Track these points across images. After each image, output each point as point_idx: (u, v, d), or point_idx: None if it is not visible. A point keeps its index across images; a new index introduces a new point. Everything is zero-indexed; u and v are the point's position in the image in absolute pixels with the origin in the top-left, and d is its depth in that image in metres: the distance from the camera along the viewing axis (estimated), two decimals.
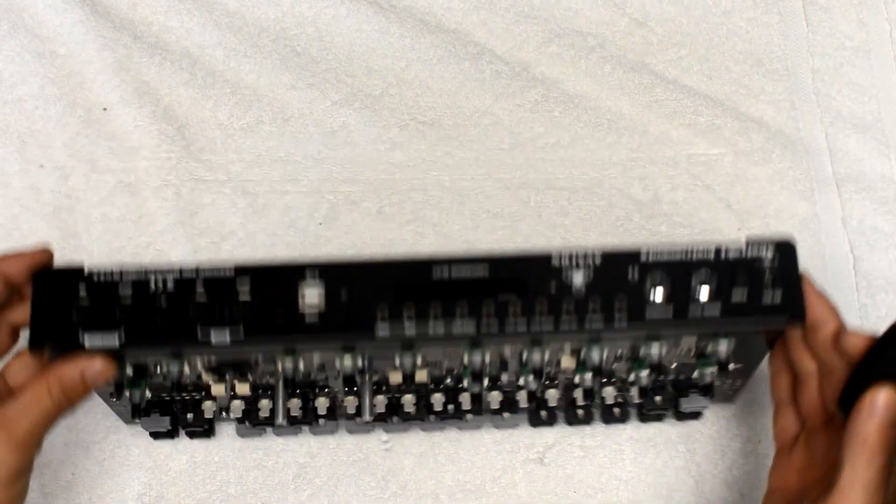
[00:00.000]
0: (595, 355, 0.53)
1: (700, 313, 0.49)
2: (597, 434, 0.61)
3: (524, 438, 0.62)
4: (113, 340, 0.49)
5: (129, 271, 0.50)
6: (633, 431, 0.62)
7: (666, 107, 0.69)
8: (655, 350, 0.52)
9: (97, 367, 0.48)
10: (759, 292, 0.49)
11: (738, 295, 0.49)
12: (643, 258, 0.50)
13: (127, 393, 0.54)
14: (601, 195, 0.67)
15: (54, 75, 0.68)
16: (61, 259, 0.64)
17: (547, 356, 0.54)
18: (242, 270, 0.50)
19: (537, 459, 0.62)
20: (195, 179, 0.66)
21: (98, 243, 0.65)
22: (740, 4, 0.71)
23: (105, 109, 0.67)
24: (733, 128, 0.68)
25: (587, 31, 0.70)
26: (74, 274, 0.50)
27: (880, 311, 0.65)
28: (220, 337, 0.49)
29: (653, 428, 0.61)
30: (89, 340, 0.49)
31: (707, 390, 0.57)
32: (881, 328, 0.65)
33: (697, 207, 0.67)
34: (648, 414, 0.60)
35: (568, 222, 0.66)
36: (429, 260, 0.50)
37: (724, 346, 0.52)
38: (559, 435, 0.62)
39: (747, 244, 0.51)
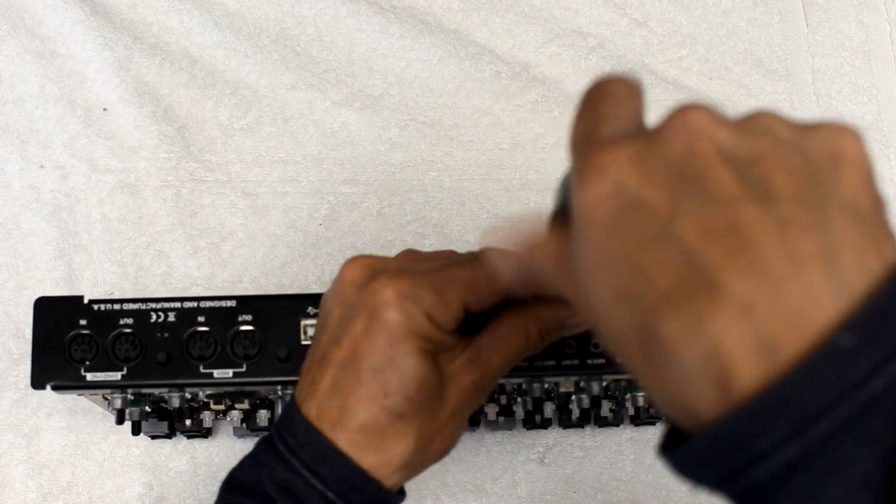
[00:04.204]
0: (595, 386, 0.53)
1: None
2: (597, 435, 0.62)
3: (525, 439, 0.62)
4: (115, 377, 0.50)
5: (129, 302, 0.51)
6: (632, 432, 0.62)
7: (666, 107, 0.68)
8: None
9: (577, 320, 0.44)
10: None
11: None
12: None
13: (127, 412, 0.55)
14: None
15: (54, 75, 0.67)
16: (62, 259, 0.65)
17: (546, 385, 0.54)
18: (244, 302, 0.51)
19: (538, 459, 0.62)
20: (195, 180, 0.66)
21: (98, 243, 0.65)
22: (740, 4, 0.71)
23: (105, 109, 0.67)
24: None
25: (587, 31, 0.70)
26: (75, 304, 0.51)
27: None
28: (222, 373, 0.50)
29: (652, 429, 0.61)
30: (91, 377, 0.50)
31: None
32: None
33: None
34: (643, 422, 0.60)
35: None
36: None
37: None
38: (559, 435, 0.62)
39: None
